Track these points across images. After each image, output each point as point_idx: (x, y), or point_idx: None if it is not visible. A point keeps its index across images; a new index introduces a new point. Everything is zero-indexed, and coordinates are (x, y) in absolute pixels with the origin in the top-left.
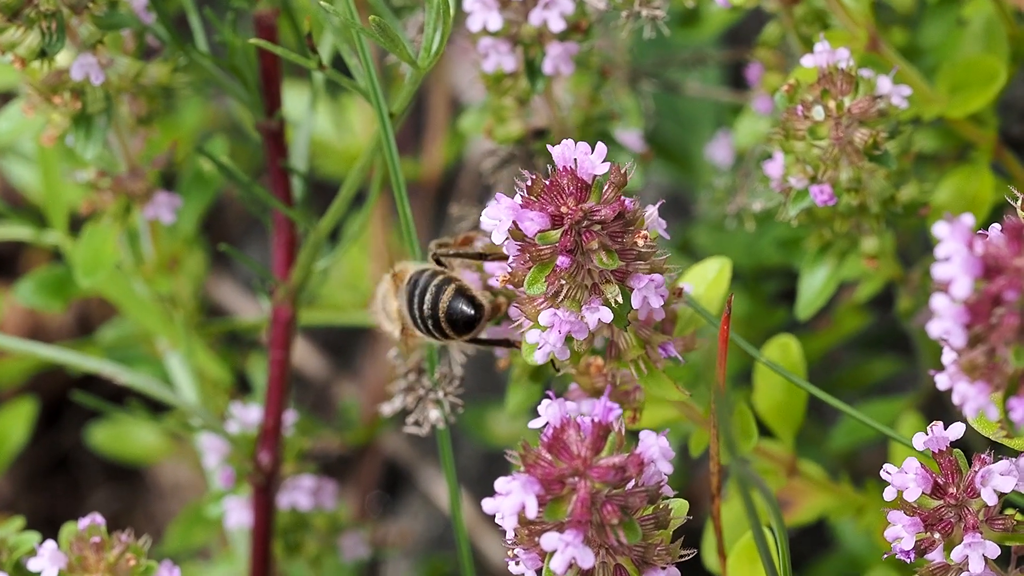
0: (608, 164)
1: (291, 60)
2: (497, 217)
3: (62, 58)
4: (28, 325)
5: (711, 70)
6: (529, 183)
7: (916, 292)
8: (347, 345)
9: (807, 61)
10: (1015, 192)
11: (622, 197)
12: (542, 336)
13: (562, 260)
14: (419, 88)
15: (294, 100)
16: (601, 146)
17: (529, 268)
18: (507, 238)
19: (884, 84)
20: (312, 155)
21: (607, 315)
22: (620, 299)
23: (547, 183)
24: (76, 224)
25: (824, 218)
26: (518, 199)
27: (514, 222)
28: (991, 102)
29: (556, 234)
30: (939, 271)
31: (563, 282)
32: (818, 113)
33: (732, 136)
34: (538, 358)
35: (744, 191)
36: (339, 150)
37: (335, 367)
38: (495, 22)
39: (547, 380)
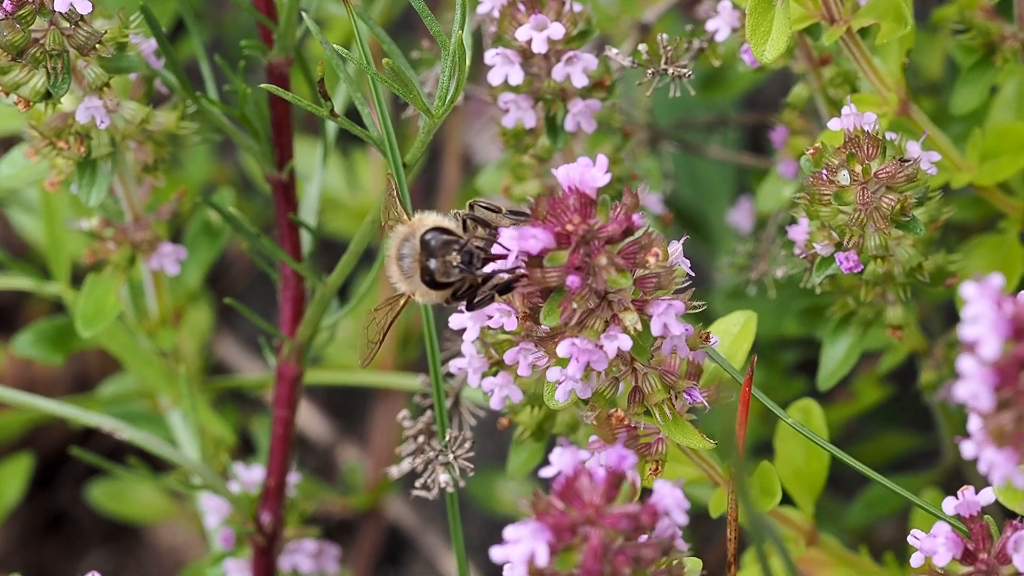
0: (610, 175)
1: (303, 107)
2: (506, 248)
3: (67, 102)
4: (23, 378)
5: (731, 133)
6: (533, 205)
7: (939, 365)
8: (351, 408)
9: (834, 124)
10: None
11: (631, 214)
12: (562, 372)
13: (572, 280)
14: (431, 147)
15: (305, 156)
16: (602, 158)
17: (545, 295)
18: (521, 271)
19: (913, 149)
20: (322, 211)
21: (626, 342)
22: (639, 326)
23: (551, 202)
24: (79, 276)
25: (849, 286)
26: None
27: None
28: (1023, 170)
29: (564, 254)
30: (966, 331)
31: (575, 305)
32: (844, 177)
33: (753, 201)
34: (559, 397)
35: (766, 257)
36: (350, 206)
37: (339, 430)
38: (517, 76)
39: (550, 439)
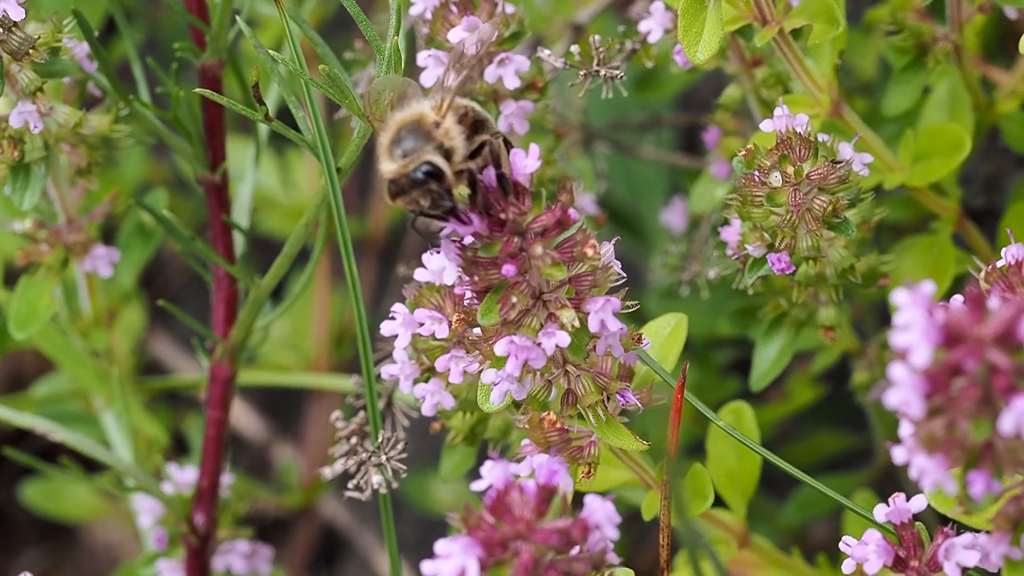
0: (539, 161)
1: (236, 111)
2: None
3: (1, 107)
4: None
5: (665, 133)
6: (468, 198)
7: (872, 366)
8: (286, 407)
9: (766, 126)
10: (979, 263)
11: (567, 209)
12: (498, 373)
13: (507, 268)
14: (365, 147)
15: (238, 155)
16: (534, 147)
17: (482, 295)
18: (458, 270)
19: (845, 150)
20: (256, 210)
21: (564, 339)
22: (577, 323)
23: (483, 192)
24: (12, 277)
25: (781, 287)
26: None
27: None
28: (955, 171)
29: (498, 245)
30: (898, 339)
31: (515, 299)
32: (776, 179)
33: (687, 201)
34: (494, 399)
35: (699, 258)
36: (284, 205)
37: (274, 429)
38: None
39: (482, 443)
